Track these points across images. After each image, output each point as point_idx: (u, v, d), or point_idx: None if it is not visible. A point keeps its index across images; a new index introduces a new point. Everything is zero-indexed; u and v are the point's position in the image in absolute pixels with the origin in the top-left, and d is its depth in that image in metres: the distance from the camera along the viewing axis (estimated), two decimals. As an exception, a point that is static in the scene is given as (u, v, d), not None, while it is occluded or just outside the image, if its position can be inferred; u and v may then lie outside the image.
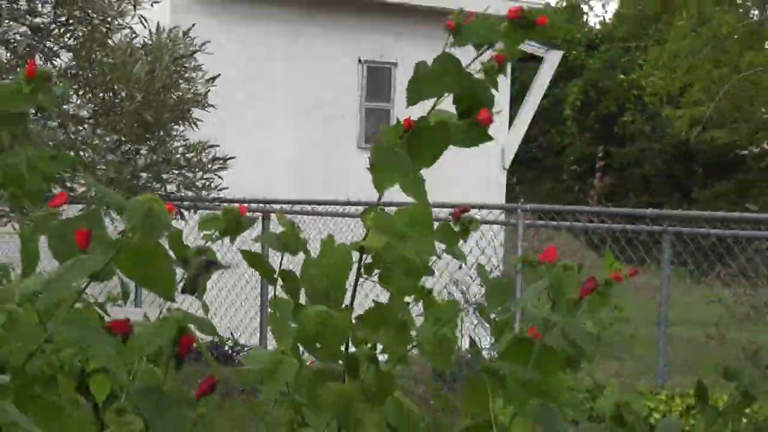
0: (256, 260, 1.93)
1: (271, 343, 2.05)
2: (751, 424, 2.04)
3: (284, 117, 15.03)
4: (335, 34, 15.32)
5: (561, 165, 29.75)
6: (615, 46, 30.13)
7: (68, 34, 10.57)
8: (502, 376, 1.76)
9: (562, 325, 1.75)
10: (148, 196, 1.50)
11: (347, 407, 1.80)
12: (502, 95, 16.04)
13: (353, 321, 1.86)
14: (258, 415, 1.91)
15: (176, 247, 1.71)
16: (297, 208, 12.12)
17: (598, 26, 32.48)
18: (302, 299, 1.90)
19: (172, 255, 1.62)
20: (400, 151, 1.80)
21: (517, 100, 17.23)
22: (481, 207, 10.64)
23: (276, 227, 1.98)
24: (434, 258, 1.89)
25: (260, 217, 11.42)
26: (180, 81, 10.55)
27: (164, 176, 10.77)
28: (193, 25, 10.85)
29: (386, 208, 1.84)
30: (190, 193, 10.89)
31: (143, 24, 10.62)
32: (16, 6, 10.50)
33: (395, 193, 1.89)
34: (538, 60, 17.56)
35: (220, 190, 10.97)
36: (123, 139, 10.65)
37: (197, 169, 10.87)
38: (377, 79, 15.62)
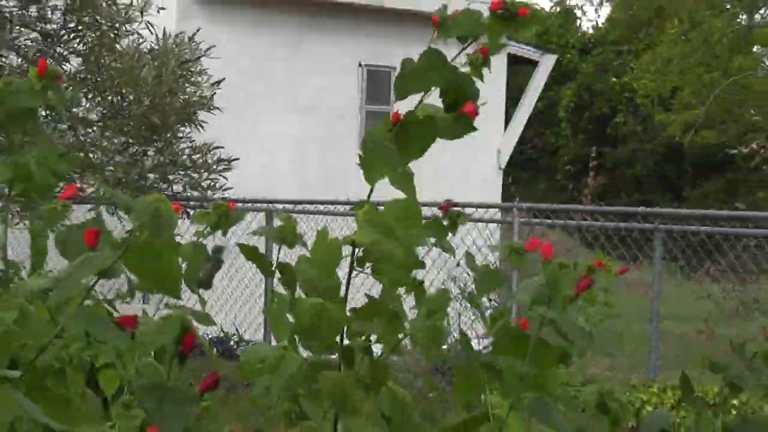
0: (252, 253, 1.93)
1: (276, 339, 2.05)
2: (740, 416, 2.03)
3: (286, 119, 15.04)
4: (336, 39, 15.32)
5: (555, 165, 29.76)
6: (607, 50, 30.13)
7: (77, 40, 10.58)
8: (499, 370, 1.76)
9: (557, 321, 1.75)
10: (155, 196, 1.50)
11: (343, 396, 1.80)
12: (497, 98, 16.09)
13: (348, 313, 1.86)
14: (259, 409, 1.91)
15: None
16: (299, 207, 12.11)
17: (591, 31, 32.47)
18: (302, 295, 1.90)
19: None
20: (389, 145, 1.80)
21: (512, 102, 17.23)
22: (478, 206, 10.65)
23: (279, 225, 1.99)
24: (425, 251, 1.89)
25: (264, 216, 11.42)
26: (186, 85, 10.56)
27: (171, 177, 10.78)
28: (198, 30, 10.86)
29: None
30: (195, 193, 10.90)
31: (150, 30, 10.63)
32: (26, 12, 10.50)
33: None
34: (533, 64, 17.56)
35: (225, 190, 10.98)
36: (131, 141, 10.66)
37: (203, 170, 10.88)
38: (377, 81, 15.61)
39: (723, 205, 21.76)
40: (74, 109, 10.61)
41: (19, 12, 10.47)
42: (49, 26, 10.54)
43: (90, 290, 1.51)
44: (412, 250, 1.84)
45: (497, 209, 11.69)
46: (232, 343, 11.54)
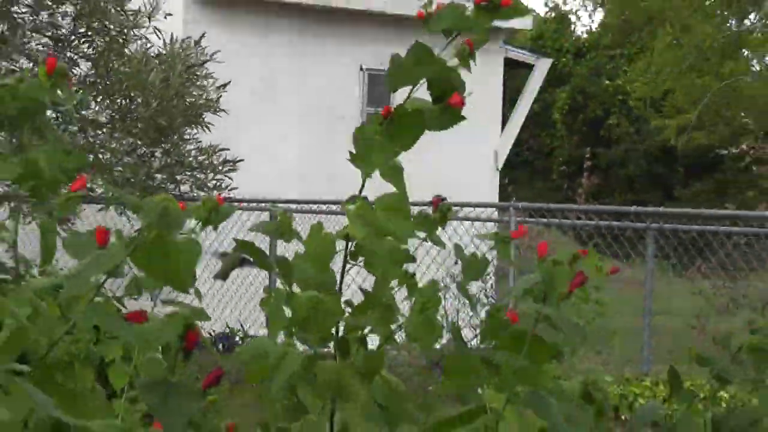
0: (248, 247, 1.93)
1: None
2: (728, 409, 2.04)
3: (290, 121, 15.04)
4: (338, 44, 15.32)
5: (551, 166, 29.75)
6: (600, 54, 30.12)
7: (87, 45, 10.59)
8: (496, 364, 1.76)
9: (552, 317, 1.75)
10: (163, 195, 1.50)
11: (339, 384, 1.81)
12: (495, 101, 16.09)
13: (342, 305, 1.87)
14: (264, 402, 1.91)
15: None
16: (304, 207, 12.12)
17: (584, 35, 32.46)
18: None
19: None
20: (379, 138, 1.82)
21: (509, 105, 17.22)
22: (476, 205, 10.66)
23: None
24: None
25: (269, 216, 11.42)
26: (192, 88, 10.57)
27: (178, 177, 10.79)
28: (203, 35, 10.86)
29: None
30: (202, 193, 10.90)
31: (157, 35, 10.64)
32: (38, 18, 10.52)
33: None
34: (529, 67, 17.56)
35: (230, 190, 10.99)
36: (139, 142, 10.67)
37: (209, 171, 10.90)
38: (378, 85, 15.61)
39: (713, 205, 21.76)
40: (84, 112, 10.62)
41: (31, 18, 10.48)
42: (59, 32, 10.55)
43: (101, 287, 1.52)
44: (401, 243, 1.85)
45: (494, 209, 11.71)
46: (237, 338, 11.55)
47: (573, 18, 34.77)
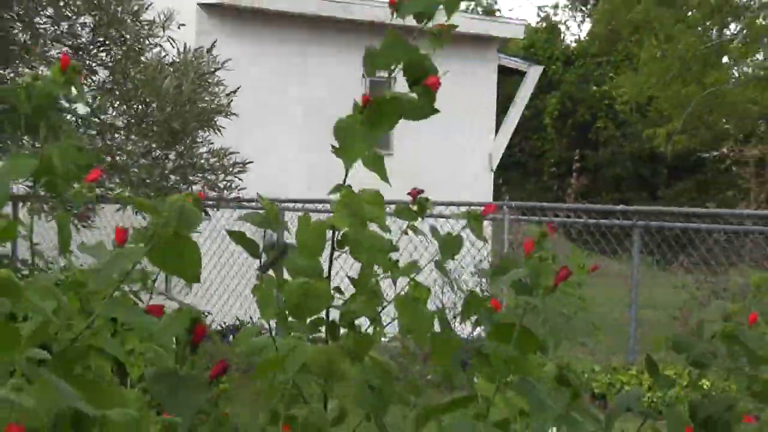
0: (240, 238, 1.93)
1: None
2: (705, 397, 2.05)
3: (295, 126, 15.04)
4: (341, 52, 15.31)
5: (542, 167, 29.74)
6: (589, 62, 30.10)
7: (105, 53, 10.60)
8: (486, 354, 1.77)
9: (540, 308, 1.76)
10: (179, 195, 1.51)
11: (329, 365, 1.80)
12: (488, 106, 16.08)
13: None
14: (273, 392, 1.90)
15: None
16: (309, 206, 12.11)
17: (573, 44, 32.43)
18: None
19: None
20: (359, 127, 1.82)
21: (502, 110, 17.22)
22: (470, 204, 10.65)
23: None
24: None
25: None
26: (204, 94, 10.58)
27: (190, 178, 10.79)
28: (214, 44, 10.87)
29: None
30: (213, 193, 10.91)
31: (171, 44, 10.65)
32: (58, 28, 10.53)
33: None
34: (521, 74, 17.56)
35: (240, 190, 10.99)
36: (154, 145, 10.68)
37: (220, 172, 10.90)
38: (379, 92, 15.61)
39: (695, 204, 21.77)
40: (102, 117, 10.64)
41: (52, 28, 10.49)
42: (79, 41, 10.56)
43: (122, 282, 1.53)
44: (383, 230, 1.85)
45: (489, 207, 11.69)
46: (246, 330, 11.54)
47: (563, 28, 34.77)
